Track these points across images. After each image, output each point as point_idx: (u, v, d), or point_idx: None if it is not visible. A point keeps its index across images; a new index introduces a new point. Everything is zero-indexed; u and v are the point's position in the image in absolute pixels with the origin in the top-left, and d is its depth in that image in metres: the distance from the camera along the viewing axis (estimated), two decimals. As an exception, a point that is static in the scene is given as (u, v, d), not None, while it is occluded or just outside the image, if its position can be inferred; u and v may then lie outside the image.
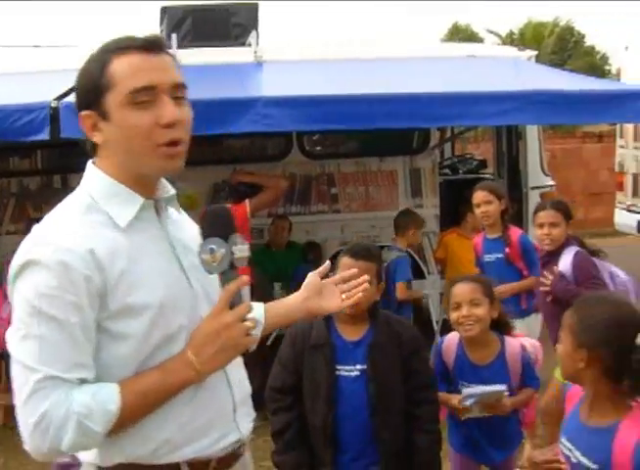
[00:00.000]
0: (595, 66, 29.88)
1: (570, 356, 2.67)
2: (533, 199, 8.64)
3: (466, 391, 3.81)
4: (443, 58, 8.54)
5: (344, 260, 3.54)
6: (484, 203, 5.98)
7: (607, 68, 32.81)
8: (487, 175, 9.82)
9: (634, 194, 11.48)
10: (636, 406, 2.58)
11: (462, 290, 3.95)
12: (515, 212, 8.86)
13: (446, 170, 10.47)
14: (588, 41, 35.67)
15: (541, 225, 5.18)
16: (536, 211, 5.38)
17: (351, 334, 3.58)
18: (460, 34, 36.72)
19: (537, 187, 8.77)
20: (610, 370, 2.58)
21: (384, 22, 61.56)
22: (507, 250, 5.98)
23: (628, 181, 11.67)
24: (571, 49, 33.80)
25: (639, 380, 2.53)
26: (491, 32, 31.84)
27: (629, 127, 11.47)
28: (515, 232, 6.11)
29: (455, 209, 8.26)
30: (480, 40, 32.61)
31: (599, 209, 14.79)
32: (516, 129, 8.82)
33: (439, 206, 8.68)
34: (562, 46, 33.65)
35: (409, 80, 7.27)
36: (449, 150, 11.76)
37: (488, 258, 6.08)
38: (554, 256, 5.15)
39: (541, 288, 5.33)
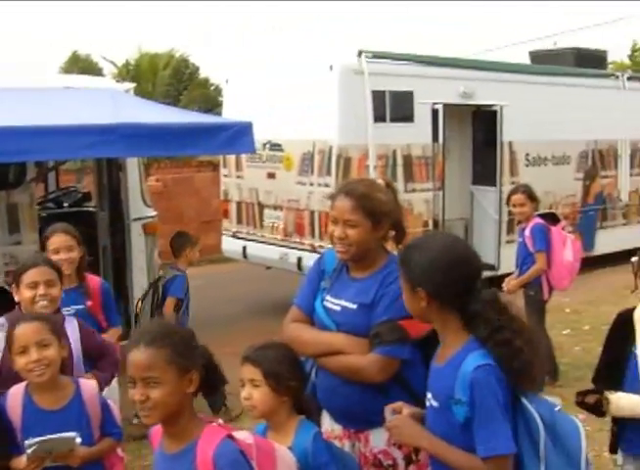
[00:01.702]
0: (209, 97, 30.82)
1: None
2: (135, 230, 8.67)
3: (28, 442, 3.33)
4: (40, 89, 8.31)
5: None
6: (65, 249, 5.03)
7: (221, 99, 33.98)
8: (91, 208, 9.70)
9: (238, 221, 12.00)
10: (209, 425, 2.62)
11: (26, 331, 3.46)
12: (119, 244, 8.87)
13: (50, 204, 10.19)
14: (203, 73, 36.80)
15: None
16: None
17: None
18: (79, 64, 35.97)
19: (139, 218, 8.80)
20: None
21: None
22: (89, 302, 5.17)
23: (233, 209, 12.17)
24: (187, 81, 34.61)
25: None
26: (106, 60, 31.58)
27: (232, 157, 11.97)
28: (94, 281, 5.35)
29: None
30: (100, 70, 32.33)
31: (212, 236, 15.18)
32: (116, 161, 8.79)
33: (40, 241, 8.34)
34: (177, 78, 34.33)
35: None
36: (53, 183, 11.40)
37: (66, 311, 4.88)
38: None
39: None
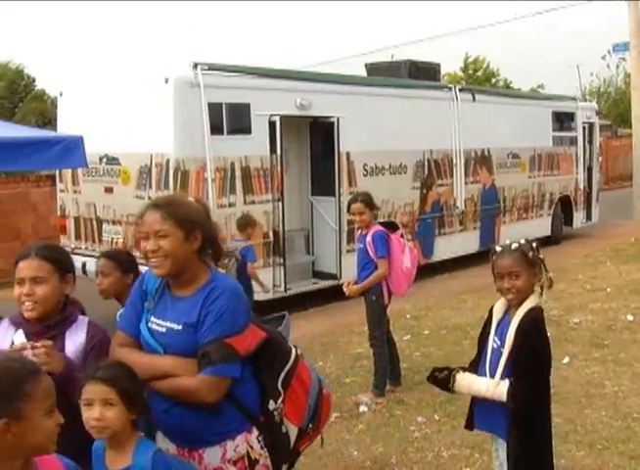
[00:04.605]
0: (46, 110, 29.81)
1: None
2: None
3: None
4: None
5: None
6: None
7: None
8: None
9: (77, 237, 11.69)
10: None
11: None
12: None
13: None
14: (40, 85, 35.69)
15: None
16: None
17: None
18: None
19: (-32, 237, 8.46)
20: None
21: None
22: None
23: (71, 224, 11.86)
24: (22, 93, 33.53)
25: None
26: None
27: (68, 171, 11.65)
28: None
29: None
30: None
31: None
32: (-60, 178, 8.42)
33: None
34: (12, 90, 33.23)
35: None
36: None
37: None
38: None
39: None
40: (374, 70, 15.76)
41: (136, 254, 10.28)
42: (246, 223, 9.62)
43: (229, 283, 3.36)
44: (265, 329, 3.37)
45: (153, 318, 3.34)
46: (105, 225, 11.19)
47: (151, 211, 3.29)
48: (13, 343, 3.25)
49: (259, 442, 3.29)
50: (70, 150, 6.95)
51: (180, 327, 3.24)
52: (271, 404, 3.32)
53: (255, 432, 3.28)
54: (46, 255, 3.42)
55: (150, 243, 3.24)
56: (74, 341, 3.41)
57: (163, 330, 3.29)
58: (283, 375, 3.36)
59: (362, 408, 7.16)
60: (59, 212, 12.28)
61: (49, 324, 3.39)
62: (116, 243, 10.89)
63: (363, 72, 16.03)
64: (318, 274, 12.57)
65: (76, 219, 11.77)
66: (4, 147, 6.63)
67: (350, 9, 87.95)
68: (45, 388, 2.46)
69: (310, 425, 3.47)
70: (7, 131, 7.61)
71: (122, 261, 4.88)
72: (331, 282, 12.11)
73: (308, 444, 3.55)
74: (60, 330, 3.41)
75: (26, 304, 3.36)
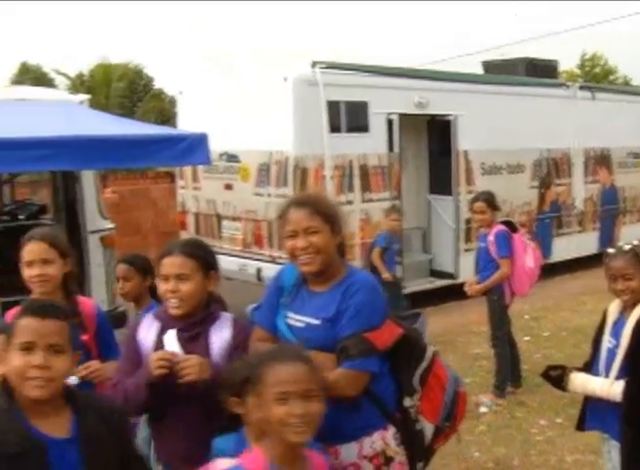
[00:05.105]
0: (164, 109, 30.51)
1: None
2: (93, 243, 8.56)
3: None
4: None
5: (25, 322, 2.54)
6: (41, 262, 3.81)
7: (176, 110, 33.59)
8: (47, 221, 9.58)
9: (197, 232, 11.93)
10: None
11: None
12: (77, 258, 8.71)
13: (5, 217, 10.05)
14: (157, 84, 36.63)
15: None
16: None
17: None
18: (30, 74, 35.57)
19: (96, 231, 8.69)
20: None
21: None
22: (84, 336, 3.89)
23: (190, 220, 12.13)
24: (141, 92, 34.43)
25: None
26: (59, 73, 31.38)
27: (188, 168, 11.91)
28: (87, 305, 4.09)
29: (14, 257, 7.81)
30: (51, 81, 32.04)
31: (170, 247, 15.11)
32: (71, 173, 8.67)
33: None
34: (132, 89, 34.14)
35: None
36: (8, 195, 11.29)
37: None
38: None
39: None
40: (491, 67, 15.58)
41: (255, 250, 10.54)
42: (386, 213, 10.26)
43: (367, 278, 3.37)
44: (402, 325, 3.37)
45: (290, 314, 3.35)
46: (224, 222, 11.40)
47: (295, 208, 3.30)
48: (162, 342, 3.33)
49: (396, 439, 3.28)
50: (195, 147, 7.06)
51: (319, 322, 3.25)
52: (407, 401, 3.32)
53: (392, 429, 3.27)
54: (189, 252, 3.42)
55: (300, 240, 3.25)
56: (220, 337, 3.39)
57: (302, 325, 3.30)
58: (420, 372, 3.35)
59: (482, 409, 7.10)
60: (179, 208, 12.57)
61: (194, 321, 3.38)
62: (236, 239, 11.09)
63: (478, 70, 15.86)
64: (435, 273, 12.52)
65: (196, 215, 12.03)
66: (133, 144, 6.81)
67: (463, 8, 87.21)
68: (276, 376, 2.61)
69: (446, 423, 3.46)
70: (134, 129, 7.83)
71: (141, 266, 4.99)
72: (448, 281, 12.05)
73: (444, 442, 3.54)
74: (204, 327, 3.40)
75: (172, 301, 3.36)
